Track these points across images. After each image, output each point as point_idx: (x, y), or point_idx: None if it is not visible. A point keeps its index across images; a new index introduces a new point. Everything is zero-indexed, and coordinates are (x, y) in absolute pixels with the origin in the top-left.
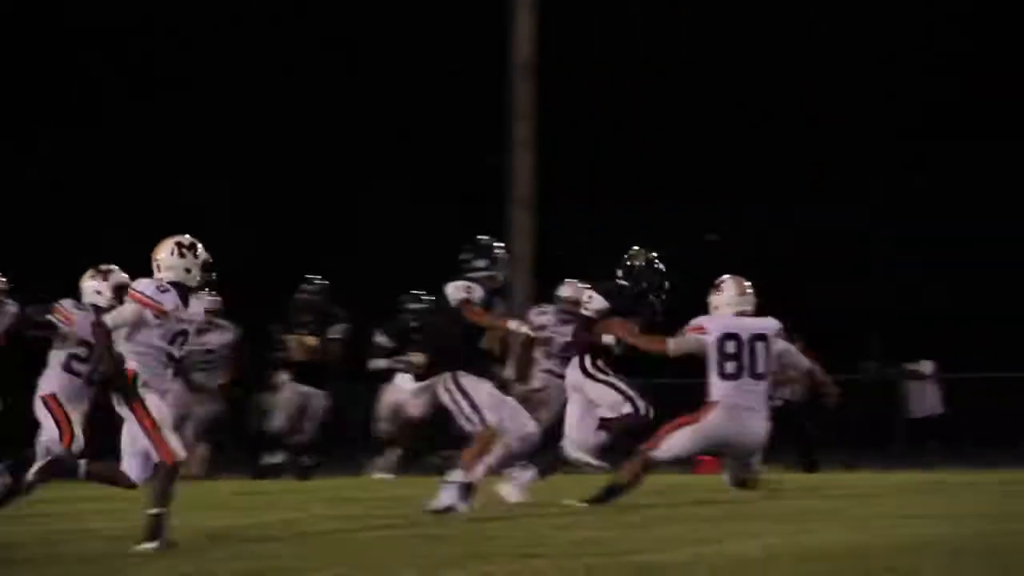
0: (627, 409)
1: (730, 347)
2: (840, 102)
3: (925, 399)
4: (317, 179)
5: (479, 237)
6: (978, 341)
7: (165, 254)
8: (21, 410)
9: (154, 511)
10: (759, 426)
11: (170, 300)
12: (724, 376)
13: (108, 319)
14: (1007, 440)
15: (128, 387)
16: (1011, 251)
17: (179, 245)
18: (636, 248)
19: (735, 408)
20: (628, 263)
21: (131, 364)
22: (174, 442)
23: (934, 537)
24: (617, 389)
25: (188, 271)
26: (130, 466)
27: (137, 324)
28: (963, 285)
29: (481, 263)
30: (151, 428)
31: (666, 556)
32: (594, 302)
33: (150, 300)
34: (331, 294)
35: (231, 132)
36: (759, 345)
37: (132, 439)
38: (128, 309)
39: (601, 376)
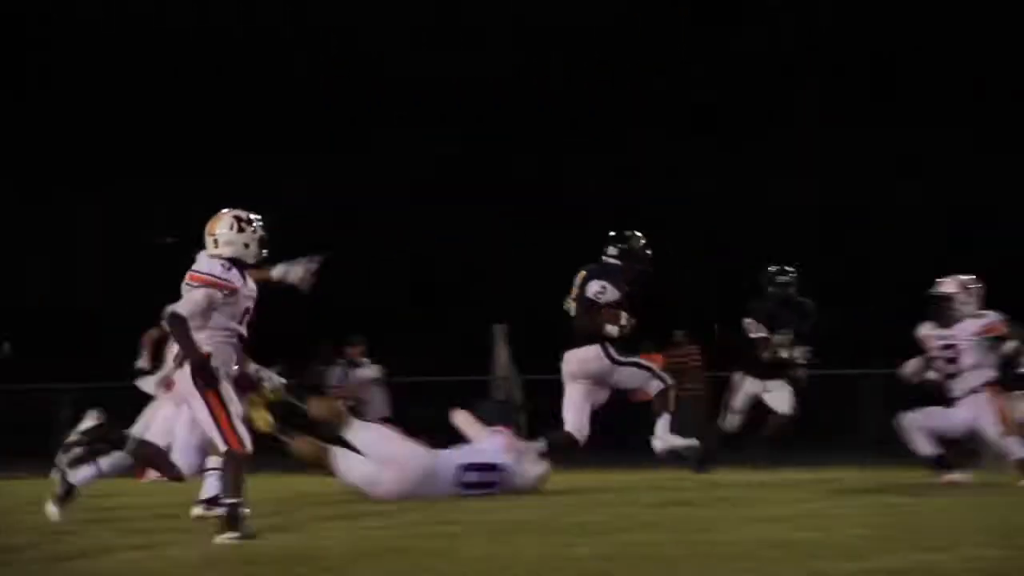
0: (656, 384)
1: None
2: None
3: None
4: None
5: None
6: None
7: (224, 228)
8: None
9: (230, 501)
10: None
11: (236, 277)
12: None
13: (180, 308)
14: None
15: (210, 375)
16: None
17: (238, 219)
18: (630, 231)
19: None
20: (625, 245)
21: (205, 349)
22: (244, 432)
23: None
24: (640, 367)
25: (247, 246)
26: (184, 457)
27: (209, 307)
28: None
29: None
30: (223, 418)
31: None
32: (608, 293)
33: (219, 280)
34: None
35: None
36: None
37: (191, 428)
38: (198, 293)
39: (624, 359)
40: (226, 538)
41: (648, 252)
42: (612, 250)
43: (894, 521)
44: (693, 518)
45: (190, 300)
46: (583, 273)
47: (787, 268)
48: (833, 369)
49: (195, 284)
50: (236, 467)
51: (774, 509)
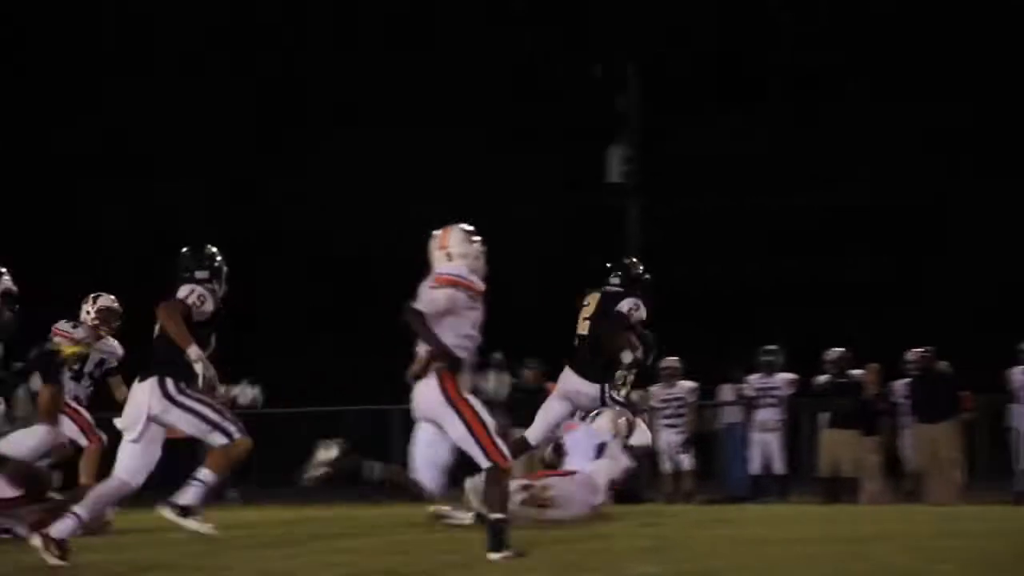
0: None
1: None
2: None
3: None
4: None
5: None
6: None
7: (456, 241)
8: None
9: (496, 516)
10: None
11: (479, 281)
12: None
13: (422, 304)
14: None
15: (456, 367)
16: None
17: (466, 232)
18: (628, 260)
19: None
20: (626, 272)
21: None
22: (503, 445)
23: None
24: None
25: (477, 259)
26: (430, 475)
27: (449, 310)
28: None
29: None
30: (480, 431)
31: None
32: (641, 311)
33: (465, 280)
34: None
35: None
36: None
37: (432, 444)
38: (440, 293)
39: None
40: (499, 557)
41: (647, 278)
42: (614, 279)
43: None
44: None
45: (431, 298)
46: (597, 295)
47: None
48: None
49: (438, 285)
50: (501, 481)
51: None
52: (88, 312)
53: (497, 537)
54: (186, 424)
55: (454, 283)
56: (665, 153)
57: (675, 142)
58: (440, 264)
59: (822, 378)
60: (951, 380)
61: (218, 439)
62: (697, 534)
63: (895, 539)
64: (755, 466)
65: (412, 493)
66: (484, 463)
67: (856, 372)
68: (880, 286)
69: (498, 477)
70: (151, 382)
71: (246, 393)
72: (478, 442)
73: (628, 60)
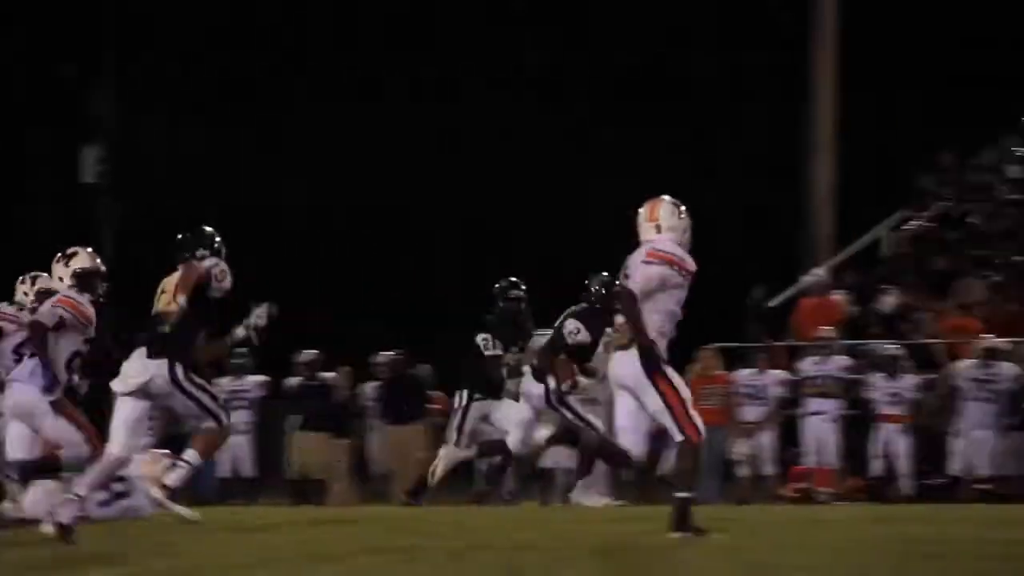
0: None
1: None
2: None
3: None
4: None
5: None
6: None
7: (667, 214)
8: None
9: (681, 495)
10: None
11: (691, 261)
12: None
13: (633, 284)
14: None
15: (654, 355)
16: None
17: (676, 205)
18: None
19: None
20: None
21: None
22: (698, 419)
23: None
24: None
25: (685, 232)
26: (634, 439)
27: (660, 287)
28: None
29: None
30: (677, 404)
31: None
32: (582, 335)
33: (677, 258)
34: None
35: None
36: None
37: (633, 414)
38: (654, 270)
39: None
40: (679, 536)
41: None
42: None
43: None
44: None
45: (644, 274)
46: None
47: (517, 283)
48: None
49: (653, 261)
50: (693, 457)
51: None
52: (26, 293)
53: (680, 515)
54: (183, 408)
55: (669, 261)
56: (140, 153)
57: (149, 143)
58: (648, 234)
59: (293, 380)
60: (421, 383)
61: (208, 424)
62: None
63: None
64: (224, 469)
65: (617, 460)
66: (677, 436)
67: (327, 375)
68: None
69: (692, 452)
70: (161, 363)
71: (260, 315)
72: (673, 415)
73: (102, 59)
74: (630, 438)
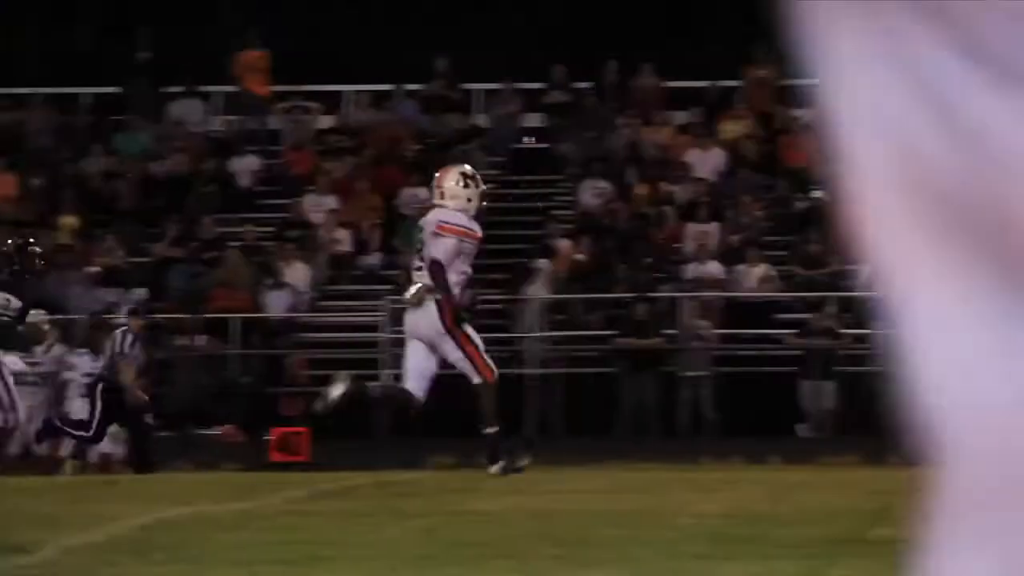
0: None
1: None
2: None
3: None
4: None
5: None
6: None
7: (451, 183)
8: None
9: (491, 430)
10: None
11: (477, 226)
12: None
13: (438, 255)
14: None
15: (458, 315)
16: None
17: (463, 175)
18: None
19: None
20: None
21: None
22: (492, 363)
23: None
24: None
25: (469, 200)
26: (419, 387)
27: (456, 254)
28: None
29: None
30: (474, 352)
31: None
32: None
33: (465, 230)
34: None
35: None
36: None
37: (422, 360)
38: (449, 243)
39: None
40: (496, 469)
41: None
42: None
43: None
44: None
45: (443, 248)
46: None
47: None
48: None
49: (442, 234)
50: (493, 396)
51: None
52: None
53: (492, 449)
54: None
55: (459, 233)
56: None
57: None
58: (436, 199)
59: None
60: None
61: None
62: None
63: None
64: None
65: (401, 403)
66: (475, 379)
67: None
68: None
69: (490, 391)
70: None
71: None
72: (472, 361)
73: None
74: (415, 383)
